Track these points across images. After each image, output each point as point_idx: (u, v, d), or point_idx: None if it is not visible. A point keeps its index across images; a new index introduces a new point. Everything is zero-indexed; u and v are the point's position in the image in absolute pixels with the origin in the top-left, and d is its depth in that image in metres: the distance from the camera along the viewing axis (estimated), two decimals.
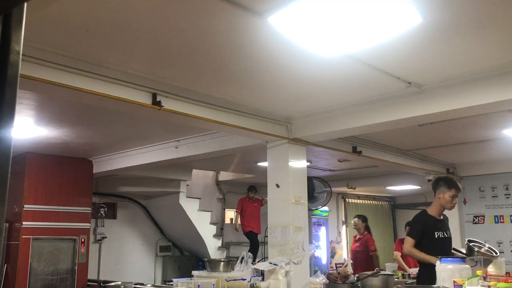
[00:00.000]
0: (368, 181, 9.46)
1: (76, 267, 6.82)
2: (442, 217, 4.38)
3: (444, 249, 4.21)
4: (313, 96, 4.38)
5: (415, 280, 5.33)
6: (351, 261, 5.30)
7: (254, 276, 4.54)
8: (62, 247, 6.77)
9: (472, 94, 3.85)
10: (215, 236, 8.94)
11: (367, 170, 8.24)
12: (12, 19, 1.04)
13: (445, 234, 4.30)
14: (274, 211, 5.03)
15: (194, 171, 8.34)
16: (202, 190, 9.21)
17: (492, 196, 7.78)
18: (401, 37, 3.00)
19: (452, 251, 4.45)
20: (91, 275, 7.50)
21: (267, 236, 5.20)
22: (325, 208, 9.16)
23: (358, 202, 11.96)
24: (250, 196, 8.72)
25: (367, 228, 8.13)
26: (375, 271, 4.25)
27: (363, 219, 8.12)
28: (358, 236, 8.12)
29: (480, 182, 7.90)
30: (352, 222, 8.36)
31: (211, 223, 8.95)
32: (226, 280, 4.41)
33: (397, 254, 6.66)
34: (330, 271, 4.82)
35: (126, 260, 8.76)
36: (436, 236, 4.24)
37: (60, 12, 2.69)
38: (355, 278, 4.19)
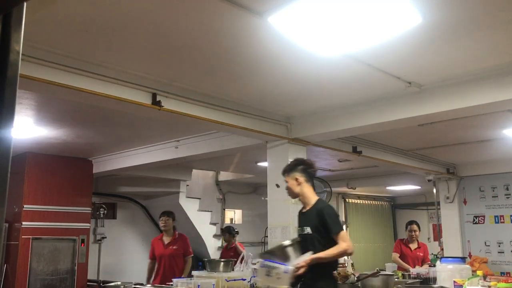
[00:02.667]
0: (368, 181, 9.46)
1: (75, 267, 6.81)
2: (305, 209, 3.46)
3: (302, 251, 3.30)
4: (313, 96, 4.38)
5: (415, 280, 5.34)
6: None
7: (254, 276, 4.54)
8: (62, 247, 6.77)
9: (472, 94, 3.86)
10: (215, 236, 8.94)
11: (367, 170, 8.24)
12: (12, 19, 1.03)
13: (302, 231, 3.40)
14: (274, 211, 5.03)
15: (194, 171, 8.34)
16: (202, 190, 9.21)
17: (492, 196, 7.78)
18: (401, 37, 3.00)
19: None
20: (91, 275, 7.50)
21: (267, 236, 5.20)
22: None
23: (358, 202, 11.97)
24: (227, 240, 7.39)
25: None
26: (376, 271, 4.24)
27: (173, 216, 5.99)
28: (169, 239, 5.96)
29: (480, 182, 7.90)
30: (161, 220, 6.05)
31: (211, 223, 8.95)
32: (226, 280, 4.41)
33: (395, 255, 6.65)
34: None
35: (126, 260, 8.75)
36: (297, 234, 3.53)
37: (60, 12, 2.69)
38: (355, 278, 4.19)
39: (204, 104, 4.19)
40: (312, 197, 3.42)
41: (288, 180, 3.46)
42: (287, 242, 3.33)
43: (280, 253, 3.24)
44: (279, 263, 3.12)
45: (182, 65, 3.57)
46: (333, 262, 3.37)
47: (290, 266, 3.10)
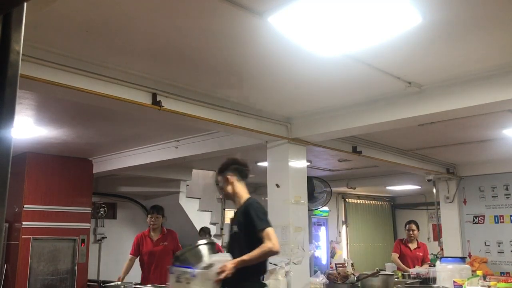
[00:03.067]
0: (368, 181, 9.46)
1: (76, 267, 6.81)
2: (238, 208, 3.37)
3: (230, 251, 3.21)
4: (313, 96, 4.38)
5: (415, 280, 5.34)
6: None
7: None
8: (62, 247, 6.76)
9: (472, 94, 3.85)
10: (215, 236, 8.94)
11: (367, 170, 8.24)
12: (12, 19, 1.04)
13: (231, 230, 3.37)
14: (274, 211, 5.02)
15: (194, 171, 8.34)
16: (202, 190, 9.20)
17: (492, 196, 7.77)
18: (401, 37, 3.00)
19: None
20: (91, 275, 7.50)
21: None
22: (325, 208, 9.16)
23: (358, 202, 11.97)
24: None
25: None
26: (375, 271, 4.25)
27: (163, 213, 5.81)
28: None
29: (480, 182, 7.90)
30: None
31: (211, 223, 8.95)
32: None
33: (395, 255, 6.65)
34: (330, 271, 4.83)
35: (126, 260, 8.74)
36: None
37: (60, 12, 2.69)
38: (355, 278, 4.19)
39: (204, 104, 4.18)
40: (244, 196, 3.33)
41: (221, 180, 3.40)
42: (197, 243, 3.17)
43: (190, 256, 3.09)
44: (186, 267, 2.96)
45: (182, 65, 3.57)
46: (260, 265, 3.15)
47: (197, 270, 2.91)
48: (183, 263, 3.03)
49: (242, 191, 3.36)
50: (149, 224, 5.72)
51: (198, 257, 3.01)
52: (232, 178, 3.35)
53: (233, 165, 3.41)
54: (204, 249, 3.09)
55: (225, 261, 2.97)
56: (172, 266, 3.05)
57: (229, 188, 3.36)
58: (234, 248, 3.18)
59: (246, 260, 3.00)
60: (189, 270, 2.92)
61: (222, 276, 2.91)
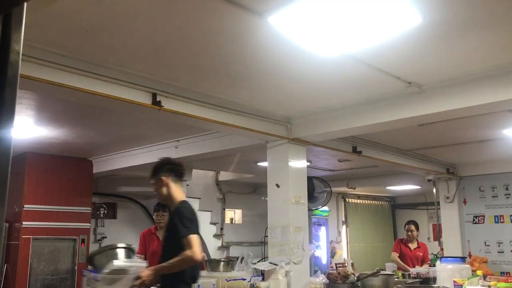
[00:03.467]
0: (368, 181, 9.46)
1: (76, 267, 6.81)
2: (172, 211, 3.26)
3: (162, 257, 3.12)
4: (313, 96, 4.38)
5: (415, 280, 5.34)
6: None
7: (254, 276, 4.54)
8: (62, 247, 6.76)
9: (472, 94, 3.85)
10: (215, 236, 8.95)
11: (367, 170, 8.24)
12: (12, 19, 1.04)
13: (163, 236, 3.30)
14: (274, 211, 5.03)
15: (194, 171, 8.33)
16: (202, 190, 9.21)
17: (492, 196, 7.78)
18: (401, 37, 3.00)
19: None
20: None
21: (267, 236, 5.20)
22: (325, 208, 9.16)
23: (358, 202, 11.97)
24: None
25: None
26: (375, 271, 4.25)
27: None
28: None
29: (480, 182, 7.90)
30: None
31: (211, 223, 8.95)
32: (226, 280, 4.41)
33: (394, 255, 6.65)
34: (330, 271, 4.83)
35: None
36: None
37: (60, 12, 2.69)
38: (355, 278, 4.19)
39: (204, 104, 4.18)
40: (178, 198, 3.18)
41: (155, 182, 3.23)
42: (113, 245, 3.11)
43: (102, 258, 3.01)
44: (91, 271, 2.92)
45: (182, 65, 3.57)
46: (186, 272, 2.98)
47: (100, 274, 2.83)
48: (92, 265, 2.97)
49: (177, 193, 3.21)
50: (156, 222, 5.46)
51: (108, 260, 2.90)
52: (167, 179, 3.20)
53: (167, 165, 3.27)
54: (119, 252, 3.02)
55: (140, 268, 2.88)
56: (83, 270, 3.04)
57: (164, 190, 3.20)
58: (164, 254, 3.08)
59: (165, 267, 2.91)
60: (92, 274, 2.87)
61: (138, 282, 2.83)
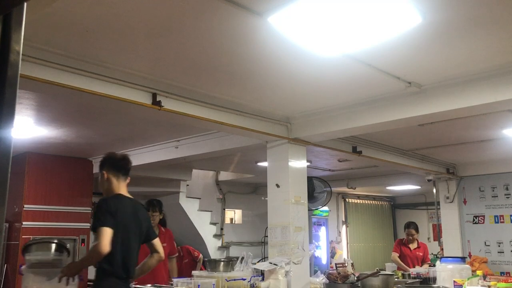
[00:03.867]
0: (368, 181, 9.47)
1: None
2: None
3: None
4: (313, 96, 4.39)
5: (415, 280, 5.34)
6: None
7: (254, 276, 4.54)
8: None
9: (472, 94, 3.85)
10: (215, 236, 8.95)
11: (367, 170, 8.24)
12: (12, 19, 1.04)
13: None
14: (274, 211, 5.03)
15: (194, 171, 8.34)
16: (202, 190, 9.21)
17: (492, 196, 7.78)
18: (401, 37, 3.00)
19: None
20: (91, 275, 7.48)
21: (267, 236, 5.20)
22: (325, 208, 9.16)
23: (358, 202, 11.97)
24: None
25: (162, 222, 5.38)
26: (375, 271, 4.24)
27: (160, 208, 5.40)
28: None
29: (480, 182, 7.90)
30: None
31: (211, 223, 8.95)
32: (226, 280, 4.41)
33: (395, 255, 6.65)
34: (330, 271, 4.83)
35: None
36: None
37: (60, 12, 2.69)
38: (355, 278, 4.19)
39: (204, 104, 4.19)
40: (113, 193, 3.19)
41: (99, 176, 3.27)
42: (47, 239, 3.30)
43: (35, 248, 3.20)
44: (20, 266, 3.17)
45: (182, 65, 3.57)
46: (114, 265, 2.96)
47: (23, 267, 3.04)
48: (24, 255, 3.09)
49: (115, 188, 3.20)
50: None
51: (39, 252, 3.00)
52: (108, 174, 3.20)
53: (109, 160, 3.27)
54: (52, 246, 3.08)
55: (64, 262, 3.01)
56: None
57: (105, 185, 3.21)
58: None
59: (79, 262, 3.02)
60: (21, 268, 2.98)
61: (60, 277, 2.96)
